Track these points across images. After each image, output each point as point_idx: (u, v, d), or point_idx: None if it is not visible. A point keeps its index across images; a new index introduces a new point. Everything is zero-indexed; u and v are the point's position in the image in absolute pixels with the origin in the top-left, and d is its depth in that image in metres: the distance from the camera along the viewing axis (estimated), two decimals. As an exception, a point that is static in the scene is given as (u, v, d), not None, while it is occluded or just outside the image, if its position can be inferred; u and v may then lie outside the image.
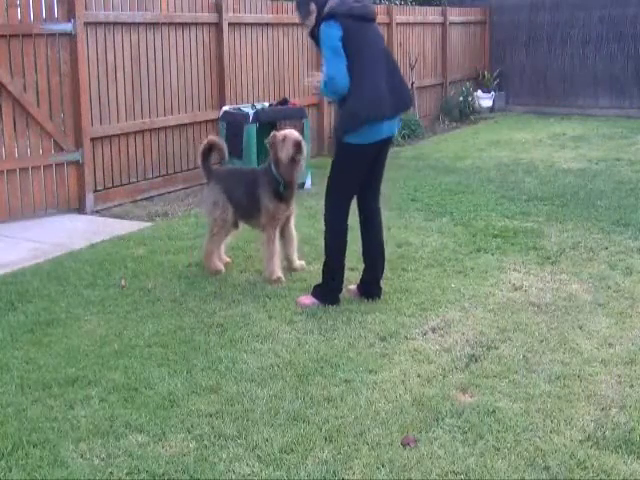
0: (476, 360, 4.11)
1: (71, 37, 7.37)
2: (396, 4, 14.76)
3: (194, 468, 3.14)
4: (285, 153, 5.20)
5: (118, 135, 7.96)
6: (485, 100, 15.20)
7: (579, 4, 14.86)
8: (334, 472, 3.10)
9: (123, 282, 5.37)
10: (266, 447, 3.28)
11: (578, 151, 10.72)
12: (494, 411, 3.55)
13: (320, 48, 4.68)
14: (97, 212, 7.62)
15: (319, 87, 4.75)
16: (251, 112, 8.27)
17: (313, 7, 4.70)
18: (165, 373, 3.99)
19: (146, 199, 8.15)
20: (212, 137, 5.80)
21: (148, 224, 7.11)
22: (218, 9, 9.00)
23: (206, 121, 9.01)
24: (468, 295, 5.09)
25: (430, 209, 7.38)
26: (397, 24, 12.66)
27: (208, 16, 8.92)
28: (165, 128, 8.51)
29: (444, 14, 14.21)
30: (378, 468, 3.13)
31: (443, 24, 14.20)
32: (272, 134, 5.37)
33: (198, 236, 6.46)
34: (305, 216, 7.17)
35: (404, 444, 3.29)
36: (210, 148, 5.60)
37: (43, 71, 7.24)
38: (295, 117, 8.83)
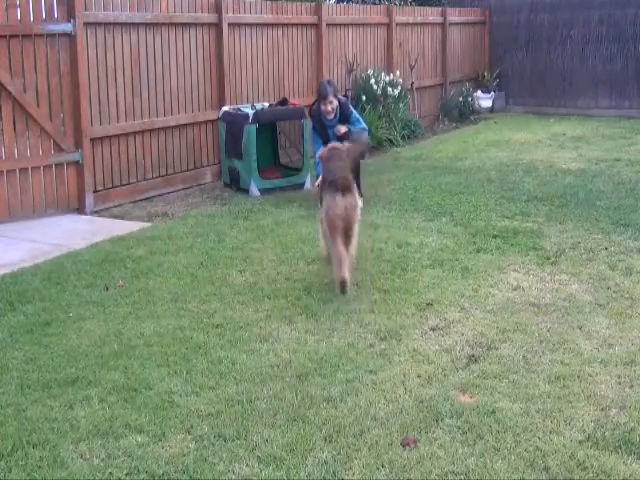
0: (476, 360, 4.11)
1: (71, 37, 7.37)
2: (396, 4, 14.77)
3: (194, 468, 3.14)
4: None
5: (118, 135, 7.96)
6: (485, 100, 15.19)
7: (579, 4, 14.87)
8: (334, 472, 3.10)
9: (120, 282, 5.37)
10: (266, 447, 3.28)
11: (578, 151, 10.71)
12: (494, 411, 3.55)
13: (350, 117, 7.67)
14: (97, 212, 7.61)
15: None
16: (251, 112, 8.27)
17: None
18: (165, 373, 3.99)
19: (146, 199, 8.15)
20: None
21: (148, 224, 7.10)
22: (218, 9, 9.00)
23: (206, 121, 9.01)
24: (468, 295, 5.09)
25: (430, 209, 7.37)
26: (397, 24, 12.66)
27: (208, 16, 8.93)
28: (165, 128, 8.50)
29: (444, 14, 14.21)
30: (378, 468, 3.13)
31: (443, 24, 14.19)
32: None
33: (198, 236, 6.47)
34: (305, 216, 7.17)
35: (404, 444, 3.29)
36: None
37: (43, 71, 7.23)
38: (294, 117, 8.84)
